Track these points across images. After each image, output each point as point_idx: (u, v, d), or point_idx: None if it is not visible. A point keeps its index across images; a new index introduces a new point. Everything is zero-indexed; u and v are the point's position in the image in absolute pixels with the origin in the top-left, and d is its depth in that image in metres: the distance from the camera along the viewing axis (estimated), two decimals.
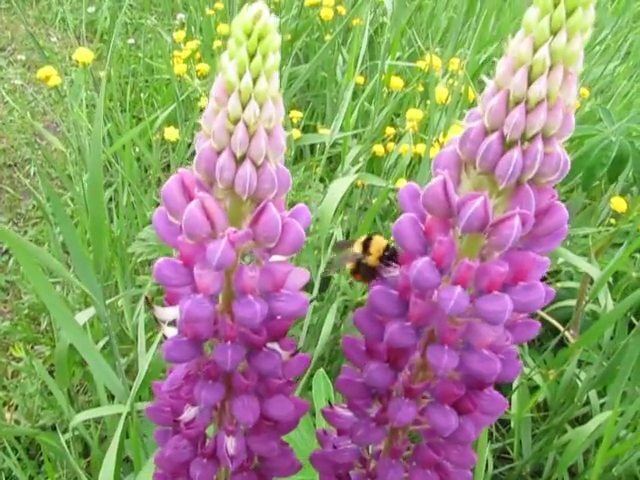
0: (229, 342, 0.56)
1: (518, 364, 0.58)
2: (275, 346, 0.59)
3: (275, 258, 0.56)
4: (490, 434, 1.72)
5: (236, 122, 0.49)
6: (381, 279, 0.61)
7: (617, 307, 1.45)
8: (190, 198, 0.51)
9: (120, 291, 1.79)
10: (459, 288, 0.51)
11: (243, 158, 0.50)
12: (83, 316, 1.37)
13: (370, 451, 0.73)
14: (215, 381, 0.59)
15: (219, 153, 0.50)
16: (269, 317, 0.57)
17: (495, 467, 1.64)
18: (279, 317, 0.57)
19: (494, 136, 0.49)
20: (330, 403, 0.70)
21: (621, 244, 1.72)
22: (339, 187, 1.35)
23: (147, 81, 3.15)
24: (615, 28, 2.91)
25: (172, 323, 0.60)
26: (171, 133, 1.70)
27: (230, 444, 0.64)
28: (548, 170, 0.49)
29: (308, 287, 1.64)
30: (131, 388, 1.12)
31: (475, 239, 0.53)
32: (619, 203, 1.74)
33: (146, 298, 0.58)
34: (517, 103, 0.47)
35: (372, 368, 0.60)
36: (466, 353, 0.56)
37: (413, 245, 0.54)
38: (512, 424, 1.66)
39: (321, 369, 1.19)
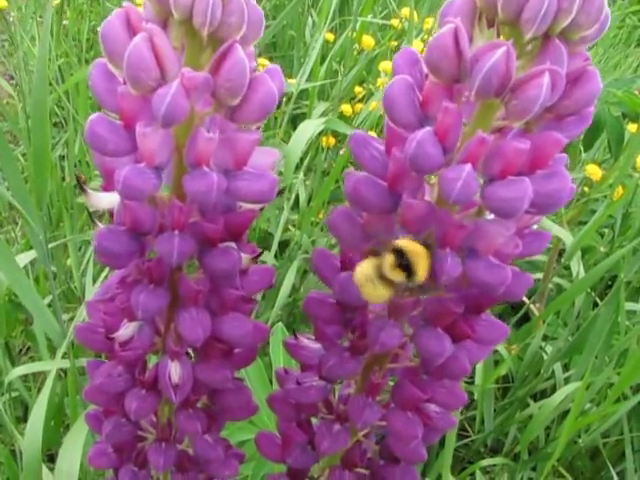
0: (177, 231, 0.44)
1: (528, 278, 0.48)
2: (232, 245, 0.48)
3: None
4: None
5: None
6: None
7: (587, 276, 1.40)
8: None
9: (69, 247, 1.66)
10: (469, 166, 0.40)
11: None
12: (24, 257, 1.25)
13: (337, 395, 0.63)
14: (158, 286, 0.48)
15: None
16: (227, 207, 0.46)
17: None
18: (240, 205, 0.46)
19: None
20: (294, 333, 0.59)
21: (595, 212, 1.66)
22: (306, 130, 1.24)
23: None
24: None
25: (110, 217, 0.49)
26: None
27: (174, 371, 0.53)
28: (586, 20, 0.39)
29: (267, 248, 1.54)
30: None
31: (488, 110, 0.42)
32: (594, 170, 1.67)
33: (77, 177, 0.47)
34: None
35: (346, 276, 0.49)
36: (470, 260, 0.45)
37: (406, 116, 0.43)
38: (474, 397, 1.60)
39: (279, 323, 1.09)
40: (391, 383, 0.58)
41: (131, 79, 0.40)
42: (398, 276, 0.45)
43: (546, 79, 0.38)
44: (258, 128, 0.45)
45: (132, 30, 0.41)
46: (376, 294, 0.47)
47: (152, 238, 0.48)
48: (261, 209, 0.50)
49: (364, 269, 0.47)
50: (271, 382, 0.99)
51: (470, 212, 0.47)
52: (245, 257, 0.49)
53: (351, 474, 0.60)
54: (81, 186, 0.46)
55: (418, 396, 0.53)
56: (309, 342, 0.58)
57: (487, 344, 0.52)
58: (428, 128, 0.42)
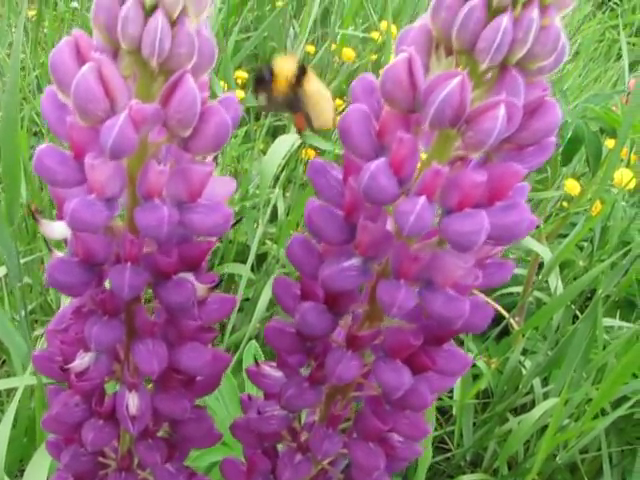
0: (129, 263, 0.43)
1: (489, 310, 0.47)
2: (189, 276, 0.47)
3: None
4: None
5: None
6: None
7: (566, 291, 1.41)
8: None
9: (45, 259, 1.64)
10: (423, 199, 0.40)
11: (154, 8, 0.38)
12: None
13: (302, 422, 0.62)
14: (112, 317, 0.47)
15: (124, 1, 0.38)
16: (182, 238, 0.45)
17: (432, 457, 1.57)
18: (194, 237, 0.46)
19: (477, 0, 0.38)
20: (256, 361, 0.58)
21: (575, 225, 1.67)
22: (282, 144, 1.23)
23: None
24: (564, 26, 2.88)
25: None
26: None
27: (132, 402, 0.52)
28: (543, 50, 0.38)
29: (244, 262, 1.53)
30: None
31: (445, 141, 0.42)
32: (572, 186, 1.68)
33: (29, 208, 0.46)
34: None
35: (306, 307, 0.48)
36: (427, 292, 0.44)
37: (362, 146, 0.42)
38: (453, 411, 1.59)
39: (253, 341, 1.07)
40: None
41: (79, 110, 0.39)
42: None
43: (502, 111, 0.38)
44: (215, 157, 0.45)
45: (81, 59, 0.40)
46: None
47: (108, 267, 0.47)
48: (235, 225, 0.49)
49: None
50: None
51: (430, 242, 0.47)
52: (202, 287, 0.48)
53: None
54: (34, 216, 0.45)
55: (379, 427, 0.52)
56: (271, 370, 0.57)
57: (449, 375, 0.51)
58: (382, 159, 0.41)
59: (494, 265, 0.48)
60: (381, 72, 0.42)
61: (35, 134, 2.41)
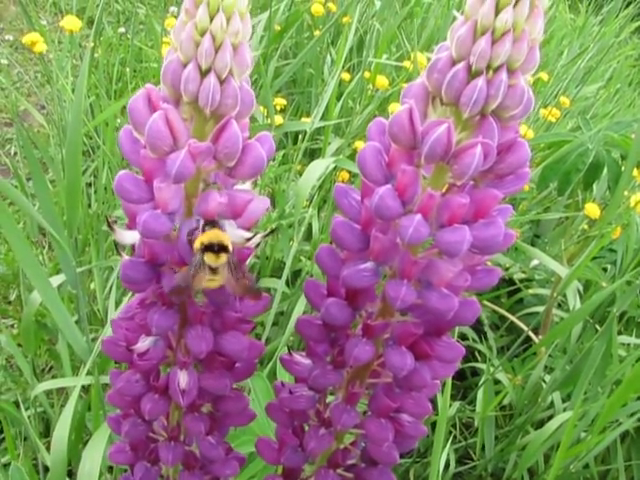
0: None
1: (476, 306, 0.58)
2: None
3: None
4: (454, 437, 1.72)
5: (203, 34, 0.49)
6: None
7: (583, 306, 1.46)
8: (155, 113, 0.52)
9: (95, 273, 1.77)
10: (419, 216, 0.51)
11: (208, 71, 0.50)
12: (54, 280, 1.35)
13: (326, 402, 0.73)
14: (169, 308, 0.59)
15: (185, 65, 0.51)
16: None
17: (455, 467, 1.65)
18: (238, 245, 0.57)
19: (461, 65, 0.49)
20: (289, 350, 0.69)
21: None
22: (317, 168, 1.35)
23: (135, 71, 3.14)
24: (599, 49, 2.95)
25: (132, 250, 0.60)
26: None
27: (182, 378, 0.63)
28: (512, 103, 0.50)
29: (280, 278, 1.62)
30: None
31: (440, 171, 0.53)
32: (592, 209, 1.76)
33: (107, 219, 0.58)
34: (484, 33, 0.48)
35: (330, 302, 0.59)
36: (425, 291, 0.56)
37: (375, 174, 0.54)
38: (476, 423, 1.67)
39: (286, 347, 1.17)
40: None
41: (150, 145, 0.51)
42: (220, 259, 0.54)
43: (478, 149, 0.49)
44: (254, 182, 0.56)
45: (152, 106, 0.53)
46: (212, 281, 0.56)
47: (166, 268, 0.59)
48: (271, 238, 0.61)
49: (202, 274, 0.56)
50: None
51: (431, 252, 0.58)
52: None
53: (335, 473, 0.70)
54: (110, 226, 0.57)
55: (389, 405, 0.63)
56: (301, 358, 0.69)
57: (448, 362, 0.62)
58: (389, 185, 0.52)
59: (483, 271, 0.59)
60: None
61: (83, 153, 2.56)
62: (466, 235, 0.51)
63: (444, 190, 0.55)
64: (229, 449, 0.74)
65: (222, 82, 0.51)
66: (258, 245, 0.59)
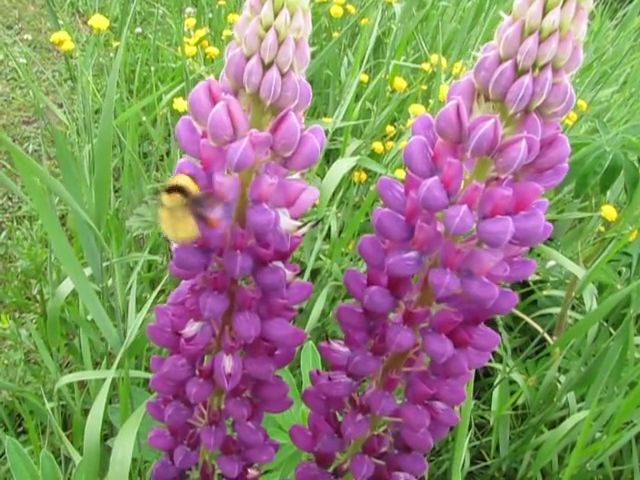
0: (238, 251, 0.58)
1: (513, 296, 0.60)
2: (280, 264, 0.61)
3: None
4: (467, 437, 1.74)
5: (267, 29, 0.52)
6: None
7: (600, 307, 1.47)
8: (215, 103, 0.54)
9: (115, 269, 1.79)
10: (465, 207, 0.53)
11: (271, 64, 0.53)
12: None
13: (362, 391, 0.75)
14: (220, 293, 0.61)
15: (248, 58, 0.53)
16: (277, 234, 0.59)
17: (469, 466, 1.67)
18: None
19: (508, 63, 0.52)
20: (327, 338, 0.72)
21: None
22: (340, 167, 1.37)
23: (151, 69, 3.17)
24: (614, 53, 2.97)
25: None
26: (180, 104, 1.71)
27: (228, 363, 0.66)
28: (555, 100, 0.52)
29: (300, 275, 1.65)
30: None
31: (483, 165, 0.55)
32: (609, 211, 1.77)
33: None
34: (531, 33, 0.51)
35: (372, 290, 0.62)
36: (467, 280, 0.58)
37: (421, 167, 0.56)
38: (491, 422, 1.68)
39: (310, 341, 1.20)
40: None
41: (212, 134, 0.54)
42: (176, 200, 0.56)
43: (523, 144, 0.52)
44: (303, 174, 0.59)
45: (212, 97, 0.55)
46: (183, 229, 0.58)
47: (215, 256, 0.61)
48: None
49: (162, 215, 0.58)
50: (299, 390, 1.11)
51: (472, 242, 0.60)
52: (290, 274, 0.62)
53: (370, 459, 0.72)
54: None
55: (426, 391, 0.65)
56: (339, 346, 0.71)
57: (484, 350, 0.64)
58: (436, 177, 0.55)
59: (520, 262, 0.61)
60: (430, 102, 0.55)
61: None
62: (509, 226, 0.53)
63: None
64: (265, 435, 0.76)
65: (283, 75, 0.54)
66: (304, 234, 0.62)
